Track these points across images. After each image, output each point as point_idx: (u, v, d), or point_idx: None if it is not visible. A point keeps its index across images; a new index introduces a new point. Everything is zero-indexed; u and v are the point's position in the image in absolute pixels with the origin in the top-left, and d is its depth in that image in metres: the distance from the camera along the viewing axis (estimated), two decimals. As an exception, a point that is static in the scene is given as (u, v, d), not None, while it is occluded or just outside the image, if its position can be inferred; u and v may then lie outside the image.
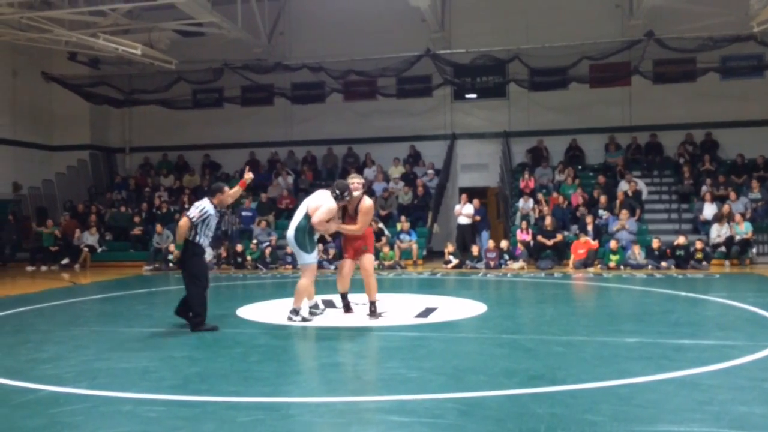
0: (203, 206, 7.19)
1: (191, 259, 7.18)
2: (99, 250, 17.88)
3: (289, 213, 18.81)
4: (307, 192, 19.79)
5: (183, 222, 7.14)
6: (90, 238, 17.81)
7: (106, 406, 4.37)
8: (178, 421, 4.09)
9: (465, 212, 16.61)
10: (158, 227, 17.12)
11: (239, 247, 16.16)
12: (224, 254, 16.40)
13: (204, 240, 7.25)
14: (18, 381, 5.03)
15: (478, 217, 16.48)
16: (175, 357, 5.86)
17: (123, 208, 19.23)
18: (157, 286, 12.53)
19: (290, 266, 15.68)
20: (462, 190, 18.65)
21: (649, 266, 14.05)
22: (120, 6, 15.92)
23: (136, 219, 18.35)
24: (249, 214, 17.98)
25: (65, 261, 17.32)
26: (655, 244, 14.47)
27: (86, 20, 16.91)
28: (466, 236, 16.42)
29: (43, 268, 16.87)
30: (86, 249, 17.39)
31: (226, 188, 7.50)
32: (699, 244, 14.32)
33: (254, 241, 16.47)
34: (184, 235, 7.09)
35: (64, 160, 21.47)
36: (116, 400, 4.52)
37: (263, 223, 17.08)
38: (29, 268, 16.79)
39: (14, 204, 19.60)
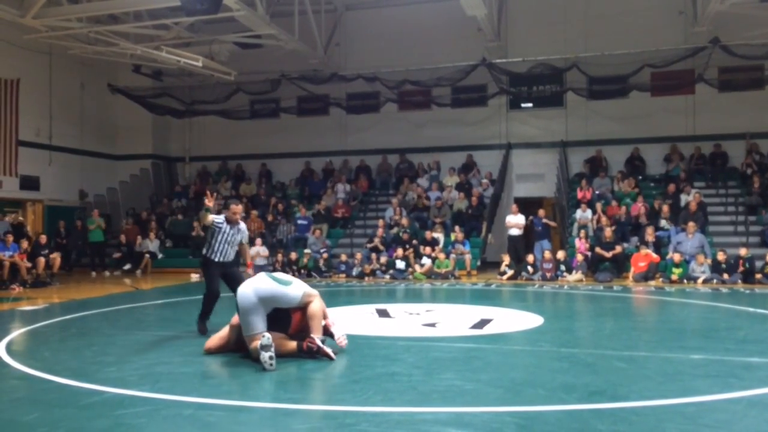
0: (220, 218, 7.47)
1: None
2: (159, 256, 18.37)
3: (345, 222, 18.96)
4: (362, 202, 20.08)
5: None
6: (151, 244, 18.34)
7: (168, 410, 4.46)
8: (237, 426, 4.14)
9: (515, 223, 16.44)
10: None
11: (293, 255, 16.35)
12: (279, 262, 16.60)
13: (214, 252, 7.44)
14: (84, 383, 5.17)
15: (540, 226, 16.38)
16: (233, 362, 5.94)
17: (182, 216, 19.72)
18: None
19: (344, 275, 15.76)
20: (517, 200, 18.42)
21: (714, 280, 13.56)
22: (182, 20, 16.40)
23: (195, 224, 18.79)
24: (304, 222, 18.19)
25: (127, 266, 17.85)
26: (721, 256, 13.96)
27: (150, 34, 17.52)
28: (518, 247, 16.24)
29: (106, 273, 17.49)
30: (148, 255, 17.91)
31: (233, 206, 7.51)
32: (768, 256, 13.76)
33: (307, 250, 16.64)
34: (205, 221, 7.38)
35: (127, 169, 22.24)
36: (178, 403, 4.61)
37: (318, 232, 17.24)
38: (93, 273, 17.42)
39: (80, 211, 20.37)
